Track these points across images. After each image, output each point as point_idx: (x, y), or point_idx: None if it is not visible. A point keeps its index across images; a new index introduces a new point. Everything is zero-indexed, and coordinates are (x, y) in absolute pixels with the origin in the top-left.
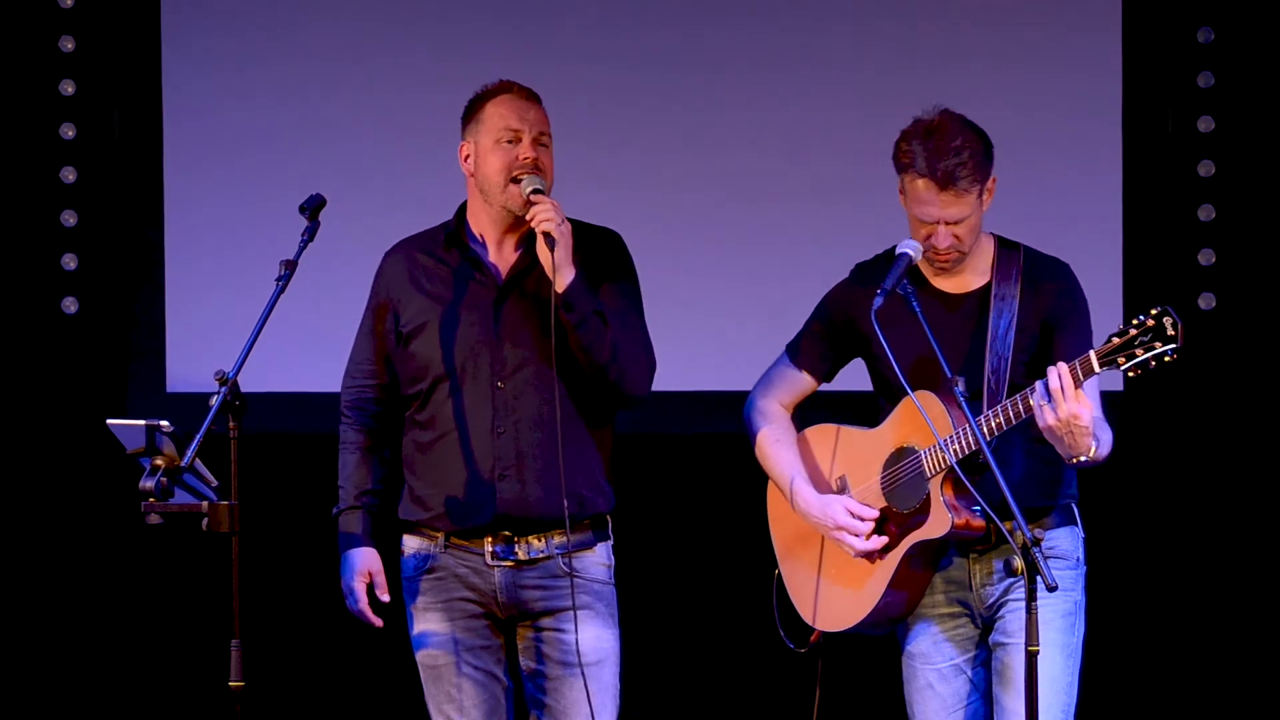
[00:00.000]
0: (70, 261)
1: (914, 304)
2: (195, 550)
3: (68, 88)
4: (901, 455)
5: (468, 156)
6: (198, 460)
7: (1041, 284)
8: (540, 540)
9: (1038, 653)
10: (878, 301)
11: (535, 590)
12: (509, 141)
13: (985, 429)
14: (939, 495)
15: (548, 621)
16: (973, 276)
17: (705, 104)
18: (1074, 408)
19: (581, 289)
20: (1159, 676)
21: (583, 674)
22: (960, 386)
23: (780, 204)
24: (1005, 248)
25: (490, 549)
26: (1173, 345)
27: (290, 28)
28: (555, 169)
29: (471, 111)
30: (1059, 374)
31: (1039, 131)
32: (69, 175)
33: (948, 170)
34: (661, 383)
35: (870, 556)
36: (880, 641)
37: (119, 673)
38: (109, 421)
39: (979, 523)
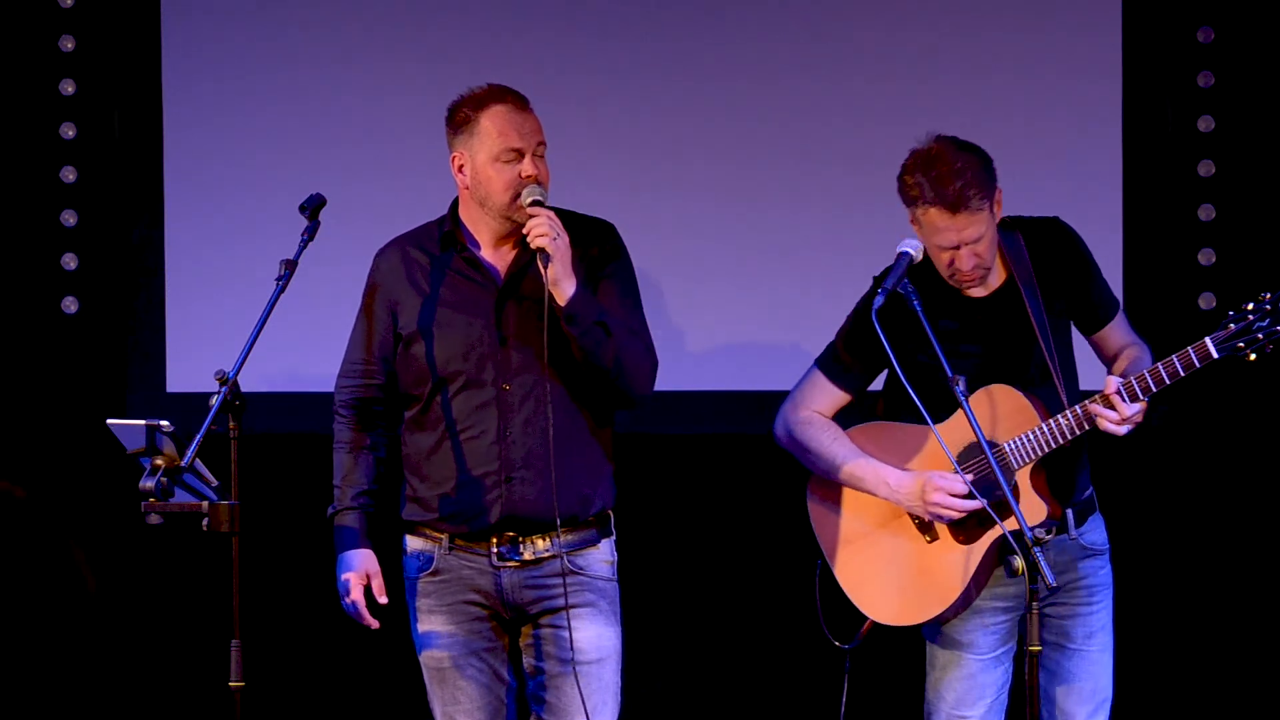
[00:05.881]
0: (70, 261)
1: (915, 303)
2: (195, 550)
3: (68, 88)
4: (980, 448)
5: (462, 167)
6: (198, 460)
7: (1047, 255)
8: (545, 540)
9: (1039, 653)
10: (879, 301)
11: (540, 590)
12: (509, 161)
13: (1065, 427)
14: (1029, 485)
15: (551, 620)
16: (991, 276)
17: (709, 108)
18: (1136, 419)
19: (584, 299)
20: (1155, 668)
21: (575, 672)
22: (961, 386)
23: (782, 205)
24: (1004, 233)
25: (495, 550)
26: None
27: (290, 28)
28: (561, 172)
29: (462, 121)
30: (1114, 398)
31: (1039, 132)
32: (69, 175)
33: (957, 193)
34: (662, 382)
35: (962, 530)
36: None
37: (119, 672)
38: (109, 421)
39: (1059, 511)
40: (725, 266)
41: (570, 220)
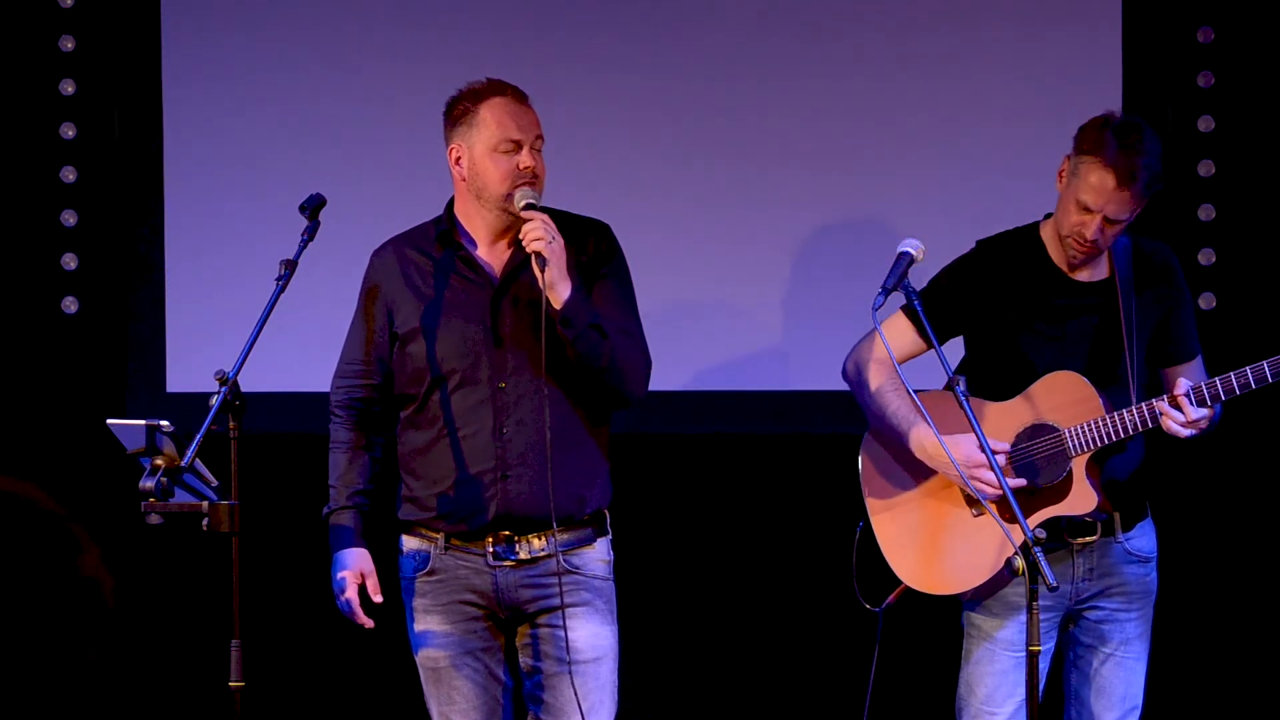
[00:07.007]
0: (70, 261)
1: (916, 303)
2: (195, 550)
3: (68, 88)
4: (1039, 431)
5: (459, 159)
6: (198, 460)
7: (1149, 270)
8: (540, 539)
9: (1039, 653)
10: (878, 300)
11: (536, 589)
12: (507, 152)
13: (1128, 422)
14: (1083, 474)
15: (547, 619)
16: (1097, 268)
17: (708, 108)
18: (1201, 424)
19: (578, 302)
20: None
21: (570, 672)
22: (961, 386)
23: (782, 206)
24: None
25: (491, 549)
26: None
27: (291, 28)
28: (559, 171)
29: (461, 113)
30: (1182, 400)
31: (1039, 131)
32: (69, 175)
33: (1133, 169)
34: (661, 383)
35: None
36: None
37: (119, 672)
38: (109, 421)
39: (1107, 504)
40: (725, 266)
41: (565, 220)
